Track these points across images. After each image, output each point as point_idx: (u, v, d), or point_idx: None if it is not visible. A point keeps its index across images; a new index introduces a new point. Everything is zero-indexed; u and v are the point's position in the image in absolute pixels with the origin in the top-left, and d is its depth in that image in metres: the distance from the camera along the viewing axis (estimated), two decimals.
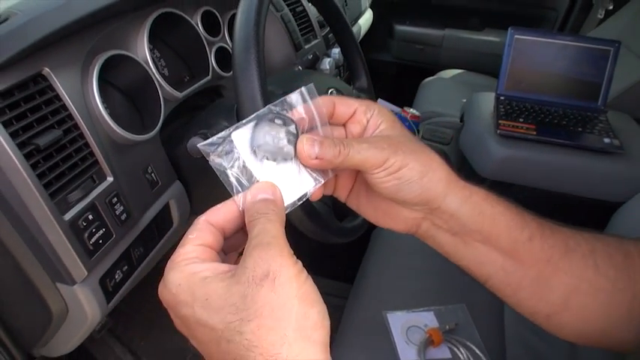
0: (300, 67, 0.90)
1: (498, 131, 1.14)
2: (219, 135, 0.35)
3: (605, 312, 0.41)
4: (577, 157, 1.12)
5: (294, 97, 0.37)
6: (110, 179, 0.60)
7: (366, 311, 0.92)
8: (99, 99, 0.59)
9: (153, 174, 0.70)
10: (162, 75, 0.79)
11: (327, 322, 0.29)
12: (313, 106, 0.38)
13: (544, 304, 0.42)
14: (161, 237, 0.74)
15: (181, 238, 0.33)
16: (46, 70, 0.54)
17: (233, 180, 0.35)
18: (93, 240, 0.56)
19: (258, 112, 0.36)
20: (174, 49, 0.85)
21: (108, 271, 0.61)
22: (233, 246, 0.36)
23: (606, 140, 1.14)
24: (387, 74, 2.47)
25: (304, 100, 0.38)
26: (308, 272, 0.30)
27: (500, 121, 1.17)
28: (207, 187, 0.80)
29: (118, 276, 0.64)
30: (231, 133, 0.35)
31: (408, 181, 0.37)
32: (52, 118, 0.54)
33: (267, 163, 0.36)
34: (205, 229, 0.33)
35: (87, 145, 0.57)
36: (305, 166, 0.37)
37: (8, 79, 0.50)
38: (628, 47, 1.62)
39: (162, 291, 0.31)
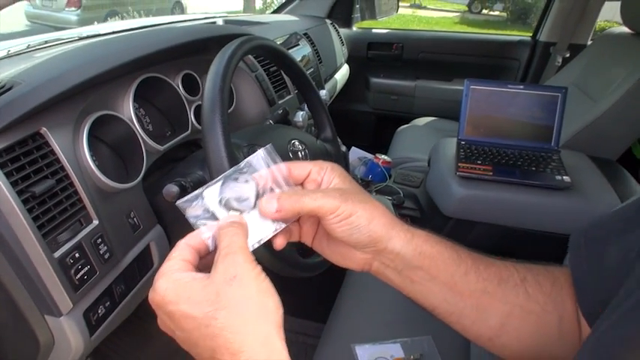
0: (271, 122, 1.01)
1: (458, 173, 1.25)
2: (194, 193, 0.44)
3: (538, 332, 0.48)
4: (530, 194, 1.22)
5: (254, 159, 0.45)
6: (95, 222, 0.68)
7: (337, 345, 0.98)
8: (88, 153, 0.68)
9: (135, 218, 0.78)
10: (147, 130, 0.89)
11: (280, 310, 0.38)
12: (272, 164, 0.45)
13: (485, 328, 0.48)
14: (142, 276, 0.81)
15: None
16: (44, 130, 0.64)
17: (204, 228, 0.43)
18: (78, 276, 0.63)
19: (225, 173, 0.44)
20: (158, 108, 0.96)
21: (91, 306, 0.68)
22: (206, 266, 0.43)
23: (558, 177, 1.25)
24: (366, 123, 2.62)
25: (264, 159, 0.46)
26: (284, 312, 0.38)
27: (459, 164, 1.27)
28: (185, 231, 0.88)
29: (101, 311, 0.70)
30: (202, 191, 0.44)
31: (357, 226, 0.44)
32: (46, 170, 0.63)
33: (232, 213, 0.44)
34: (185, 249, 0.42)
35: (76, 192, 0.66)
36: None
37: (11, 137, 0.60)
38: (583, 91, 1.76)
39: (152, 296, 0.40)
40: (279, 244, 0.46)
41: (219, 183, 0.44)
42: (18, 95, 0.61)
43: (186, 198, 0.44)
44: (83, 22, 7.36)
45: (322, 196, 0.43)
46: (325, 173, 0.47)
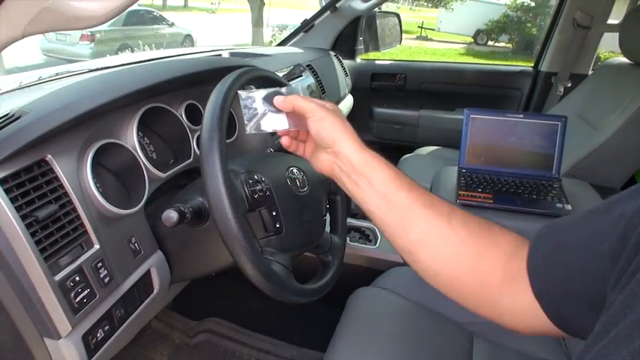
0: (271, 149, 1.03)
1: (458, 201, 1.26)
2: (251, 92, 0.64)
3: (452, 259, 0.55)
4: (531, 222, 1.22)
5: (284, 89, 0.66)
6: (97, 247, 0.69)
7: None
8: (91, 179, 0.71)
9: (136, 244, 0.79)
10: (150, 158, 0.91)
11: None
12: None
13: (406, 241, 0.57)
14: (142, 301, 0.82)
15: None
16: (49, 157, 0.66)
17: (247, 112, 0.64)
18: (78, 298, 0.65)
19: (268, 90, 0.65)
20: (162, 136, 0.99)
21: (90, 329, 0.69)
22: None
23: (558, 205, 1.25)
24: None
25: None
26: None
27: (460, 192, 1.28)
28: (186, 258, 0.90)
29: (100, 335, 0.71)
30: (254, 93, 0.64)
31: (324, 127, 0.60)
32: (50, 195, 0.65)
33: (269, 111, 0.64)
34: None
35: (78, 217, 0.68)
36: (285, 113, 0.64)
37: (17, 164, 0.62)
38: (585, 120, 1.78)
39: None
40: (286, 142, 0.66)
41: (265, 92, 0.65)
42: (25, 124, 0.64)
43: (245, 94, 0.64)
44: (96, 55, 7.60)
45: (309, 103, 0.62)
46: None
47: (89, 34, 7.85)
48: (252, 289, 0.67)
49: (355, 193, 0.61)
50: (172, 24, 10.39)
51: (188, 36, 10.59)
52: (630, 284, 0.37)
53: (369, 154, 0.60)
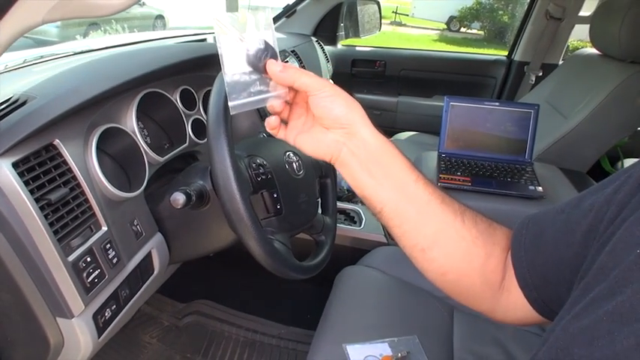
0: (264, 134, 1.06)
1: (438, 184, 1.32)
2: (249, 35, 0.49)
3: (464, 258, 0.53)
4: (506, 203, 1.29)
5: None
6: (104, 229, 0.72)
7: (328, 346, 1.02)
8: (97, 163, 0.73)
9: (138, 226, 0.82)
10: (146, 143, 0.93)
11: None
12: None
13: (421, 237, 0.53)
14: (144, 282, 0.84)
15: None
16: (57, 141, 0.68)
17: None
18: (90, 278, 0.67)
19: (250, 42, 0.49)
20: (156, 121, 1.00)
21: (100, 308, 0.71)
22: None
23: (531, 188, 1.33)
24: None
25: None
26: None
27: (440, 175, 1.35)
28: (184, 240, 0.92)
29: (108, 314, 0.74)
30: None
31: (339, 105, 0.51)
32: (59, 179, 0.67)
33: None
34: None
35: (87, 200, 0.70)
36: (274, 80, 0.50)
37: (26, 149, 0.64)
38: (555, 107, 1.87)
39: None
40: (273, 108, 0.53)
41: (263, 47, 0.49)
42: (34, 109, 0.65)
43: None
44: (62, 33, 7.30)
45: (317, 79, 0.51)
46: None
47: None
48: (240, 272, 0.70)
49: (364, 183, 0.53)
50: (143, 4, 10.07)
51: (160, 16, 10.31)
52: (601, 255, 0.42)
53: (386, 140, 0.53)
